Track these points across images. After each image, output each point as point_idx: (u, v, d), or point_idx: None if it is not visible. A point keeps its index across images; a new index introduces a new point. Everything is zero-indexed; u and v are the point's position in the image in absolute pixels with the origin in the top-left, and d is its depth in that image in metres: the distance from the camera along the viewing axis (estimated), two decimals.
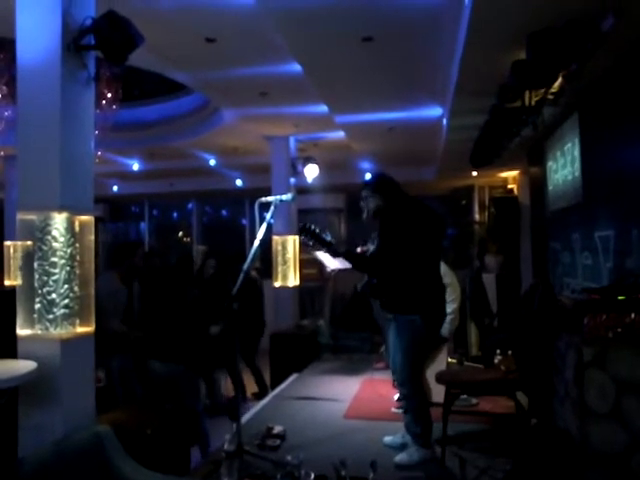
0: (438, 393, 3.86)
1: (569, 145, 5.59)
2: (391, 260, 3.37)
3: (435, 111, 6.35)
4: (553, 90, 3.85)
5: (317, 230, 3.43)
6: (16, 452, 2.89)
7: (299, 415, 4.51)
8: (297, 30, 4.07)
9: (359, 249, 3.75)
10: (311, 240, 3.44)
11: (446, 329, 4.60)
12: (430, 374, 4.45)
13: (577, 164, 5.31)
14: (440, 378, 3.68)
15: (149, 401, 3.98)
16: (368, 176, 3.68)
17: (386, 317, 3.68)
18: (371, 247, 3.84)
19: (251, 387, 6.28)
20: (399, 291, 3.43)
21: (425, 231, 3.46)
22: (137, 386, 4.38)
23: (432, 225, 3.52)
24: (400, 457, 3.44)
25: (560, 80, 3.67)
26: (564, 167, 5.87)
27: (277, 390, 5.52)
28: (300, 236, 3.48)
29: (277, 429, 3.88)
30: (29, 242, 2.93)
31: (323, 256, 5.09)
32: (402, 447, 3.58)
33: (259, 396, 6.12)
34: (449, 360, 4.91)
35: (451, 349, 5.15)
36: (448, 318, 4.57)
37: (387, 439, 3.73)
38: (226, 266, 5.92)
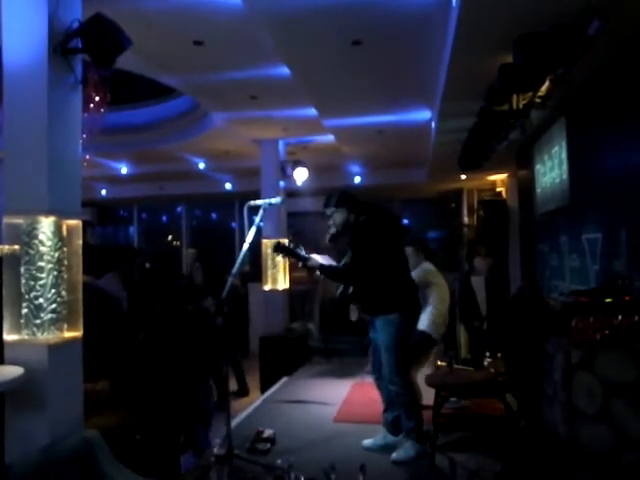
0: (428, 396, 3.86)
1: (557, 148, 5.64)
2: (366, 267, 3.51)
3: (424, 114, 6.38)
4: (541, 93, 3.89)
5: (291, 246, 3.64)
6: (3, 458, 2.86)
7: (289, 419, 4.50)
8: (286, 34, 4.07)
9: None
10: (287, 257, 3.69)
11: (435, 331, 4.61)
12: (420, 377, 4.45)
13: (565, 167, 5.36)
14: (430, 381, 3.69)
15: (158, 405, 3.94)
16: (326, 198, 3.85)
17: (367, 319, 3.79)
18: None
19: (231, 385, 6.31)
20: (376, 294, 3.57)
21: (390, 234, 3.64)
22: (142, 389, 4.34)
23: (394, 227, 3.72)
24: (396, 454, 3.48)
25: (547, 84, 3.71)
26: (552, 170, 5.92)
27: (267, 394, 5.50)
28: (275, 253, 3.69)
29: (267, 433, 3.87)
30: (16, 246, 2.90)
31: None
32: (383, 449, 3.62)
33: (238, 394, 6.17)
34: (439, 363, 4.92)
35: (441, 352, 5.15)
36: (437, 320, 4.60)
37: (367, 442, 3.74)
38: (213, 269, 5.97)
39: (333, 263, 3.73)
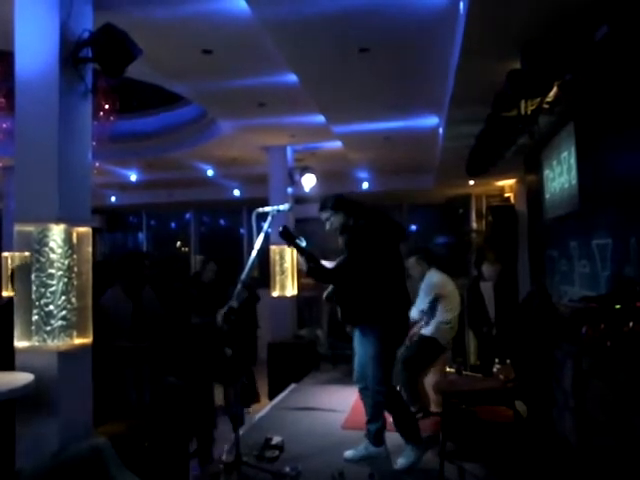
0: (437, 402, 3.85)
1: (565, 153, 5.62)
2: (357, 272, 3.45)
3: (431, 120, 6.38)
4: (548, 99, 3.88)
5: (294, 235, 3.54)
6: (14, 464, 2.87)
7: (297, 426, 4.50)
8: (294, 41, 4.09)
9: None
10: (288, 243, 3.55)
11: (444, 338, 4.61)
12: (429, 384, 4.44)
13: (573, 172, 5.34)
14: (438, 388, 3.68)
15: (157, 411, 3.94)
16: (321, 201, 3.85)
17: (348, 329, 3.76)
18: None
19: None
20: (361, 303, 3.50)
21: (388, 240, 3.57)
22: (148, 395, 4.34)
23: (393, 233, 3.64)
24: (399, 462, 3.47)
25: (555, 89, 3.70)
26: (561, 175, 5.90)
27: (275, 400, 5.50)
28: (280, 236, 3.54)
29: (275, 440, 3.87)
30: (27, 253, 2.93)
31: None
32: (364, 460, 3.59)
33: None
34: (448, 369, 4.90)
35: (449, 358, 5.14)
36: (446, 327, 4.59)
37: (348, 453, 3.69)
38: (226, 271, 5.96)
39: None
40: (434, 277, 4.72)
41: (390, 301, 3.51)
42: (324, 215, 3.70)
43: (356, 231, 3.53)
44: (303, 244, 3.53)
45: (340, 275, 3.54)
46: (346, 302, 3.60)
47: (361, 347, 3.63)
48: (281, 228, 3.48)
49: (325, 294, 3.92)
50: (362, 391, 3.72)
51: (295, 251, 3.60)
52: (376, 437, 3.64)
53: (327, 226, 3.70)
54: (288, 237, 3.51)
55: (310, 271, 3.54)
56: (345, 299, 3.60)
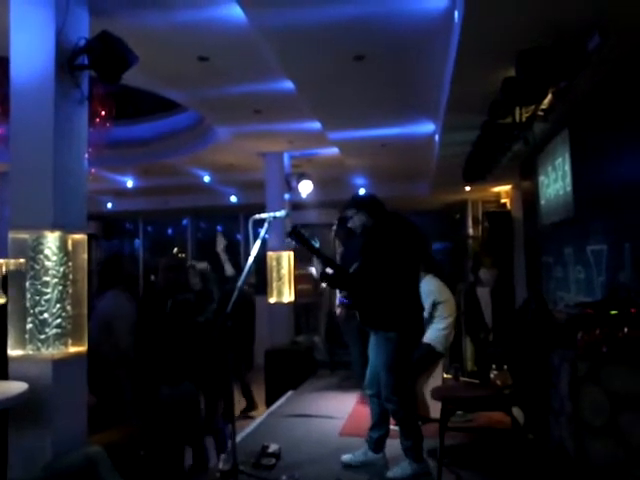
0: (434, 409, 3.84)
1: (560, 160, 5.64)
2: (373, 276, 3.37)
3: (427, 127, 6.41)
4: (543, 106, 3.90)
5: (306, 235, 3.42)
6: (6, 474, 2.85)
7: (294, 433, 4.47)
8: (289, 49, 4.10)
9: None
10: (299, 244, 3.43)
11: (441, 344, 4.60)
12: (426, 390, 4.43)
13: (568, 179, 5.36)
14: (436, 394, 3.67)
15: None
16: (351, 196, 3.68)
17: (363, 330, 3.70)
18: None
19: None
20: (378, 308, 3.43)
21: (408, 249, 3.49)
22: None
23: (414, 243, 3.56)
24: (393, 472, 3.43)
25: (549, 97, 3.72)
26: (555, 182, 5.92)
27: (272, 407, 5.48)
28: (288, 238, 3.42)
29: (272, 448, 3.84)
30: (21, 260, 2.91)
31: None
32: (362, 465, 3.57)
33: (246, 411, 6.13)
34: (445, 375, 4.89)
35: (447, 364, 5.13)
36: (443, 333, 4.59)
37: (345, 457, 3.66)
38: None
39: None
40: (430, 284, 4.72)
41: (407, 307, 3.45)
42: (349, 213, 3.62)
43: (373, 233, 3.47)
44: (317, 245, 3.42)
45: (356, 281, 3.43)
46: (366, 306, 3.51)
47: (374, 353, 3.57)
48: (290, 228, 3.33)
49: (340, 296, 3.81)
50: (371, 398, 3.67)
51: (293, 256, 3.57)
52: (377, 444, 3.62)
53: (350, 224, 3.62)
54: (300, 238, 3.34)
55: (325, 277, 3.45)
56: (365, 303, 3.51)
